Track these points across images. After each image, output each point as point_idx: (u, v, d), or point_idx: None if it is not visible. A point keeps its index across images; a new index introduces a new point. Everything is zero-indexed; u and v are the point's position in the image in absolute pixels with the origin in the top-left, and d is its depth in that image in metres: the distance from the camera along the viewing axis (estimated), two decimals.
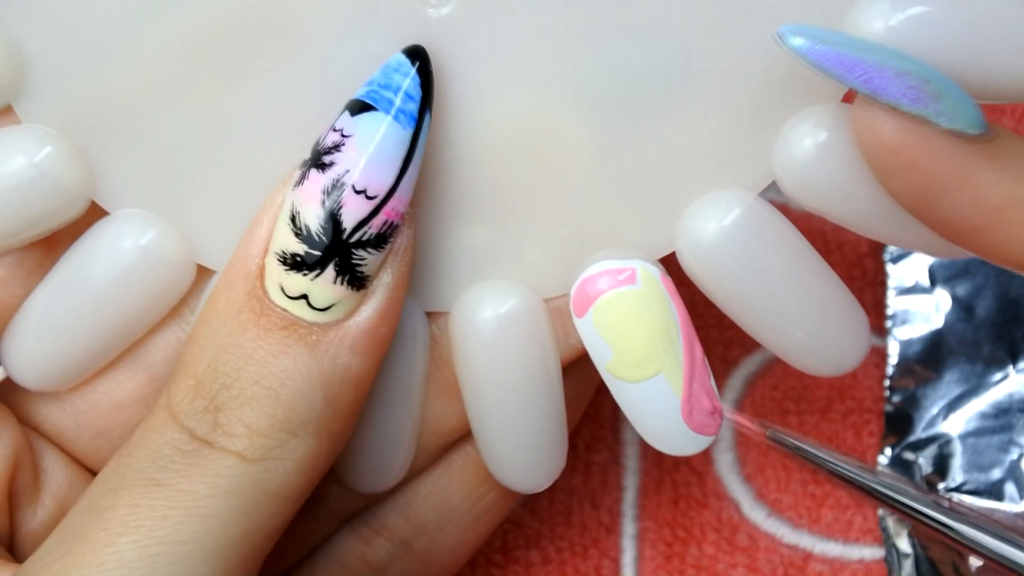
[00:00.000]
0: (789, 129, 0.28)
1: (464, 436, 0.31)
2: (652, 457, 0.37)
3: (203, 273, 0.29)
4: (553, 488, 0.37)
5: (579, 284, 0.28)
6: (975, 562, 0.34)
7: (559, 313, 0.29)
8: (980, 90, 0.26)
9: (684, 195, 0.28)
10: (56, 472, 0.30)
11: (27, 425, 0.31)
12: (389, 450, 0.30)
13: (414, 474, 0.32)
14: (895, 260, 0.37)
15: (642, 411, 0.28)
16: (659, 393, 0.28)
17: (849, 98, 0.27)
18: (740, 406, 0.37)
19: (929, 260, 0.37)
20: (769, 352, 0.37)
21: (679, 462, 0.37)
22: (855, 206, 0.28)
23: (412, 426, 0.30)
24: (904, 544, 0.35)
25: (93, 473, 0.31)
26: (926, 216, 0.25)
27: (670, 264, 0.29)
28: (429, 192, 0.28)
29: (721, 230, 0.28)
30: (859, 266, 0.38)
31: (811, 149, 0.27)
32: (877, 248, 0.38)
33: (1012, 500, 0.34)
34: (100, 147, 0.28)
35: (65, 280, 0.29)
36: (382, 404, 0.30)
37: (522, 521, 0.37)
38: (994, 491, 0.35)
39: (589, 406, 0.37)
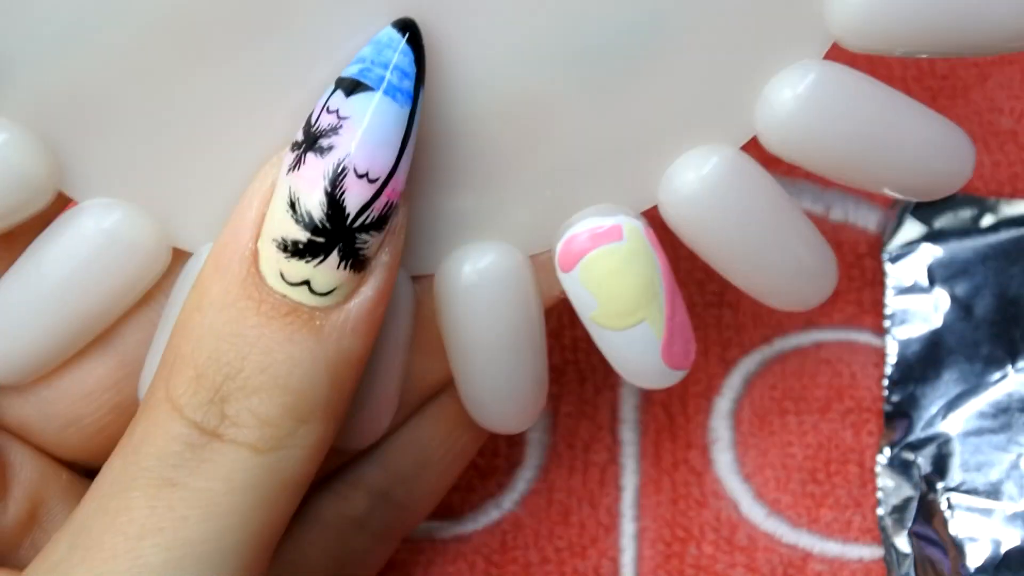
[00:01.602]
0: (770, 84, 0.28)
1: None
2: (651, 457, 0.37)
3: (178, 257, 0.29)
4: (551, 488, 0.37)
5: (565, 241, 0.28)
6: (973, 561, 0.34)
7: (543, 266, 0.29)
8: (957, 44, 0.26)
9: (666, 150, 0.28)
10: (24, 465, 0.30)
11: None
12: (374, 408, 0.30)
13: (392, 428, 0.32)
14: (894, 260, 0.37)
15: (624, 355, 0.29)
16: (641, 339, 0.28)
17: (831, 55, 0.27)
18: (739, 406, 0.37)
19: (928, 260, 0.37)
20: (768, 352, 0.37)
21: (678, 462, 0.37)
22: (835, 157, 0.28)
23: (397, 384, 0.30)
24: (903, 543, 0.35)
25: (63, 462, 0.31)
26: None
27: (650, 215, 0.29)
28: (413, 157, 0.28)
29: (700, 179, 0.28)
30: (858, 266, 0.38)
31: (790, 102, 0.27)
32: (876, 248, 0.38)
33: (1011, 499, 0.34)
34: (68, 136, 0.28)
35: (26, 271, 0.28)
36: (369, 366, 0.29)
37: (520, 521, 0.37)
38: (993, 490, 0.35)
39: (587, 406, 0.37)
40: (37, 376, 0.29)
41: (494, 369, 0.30)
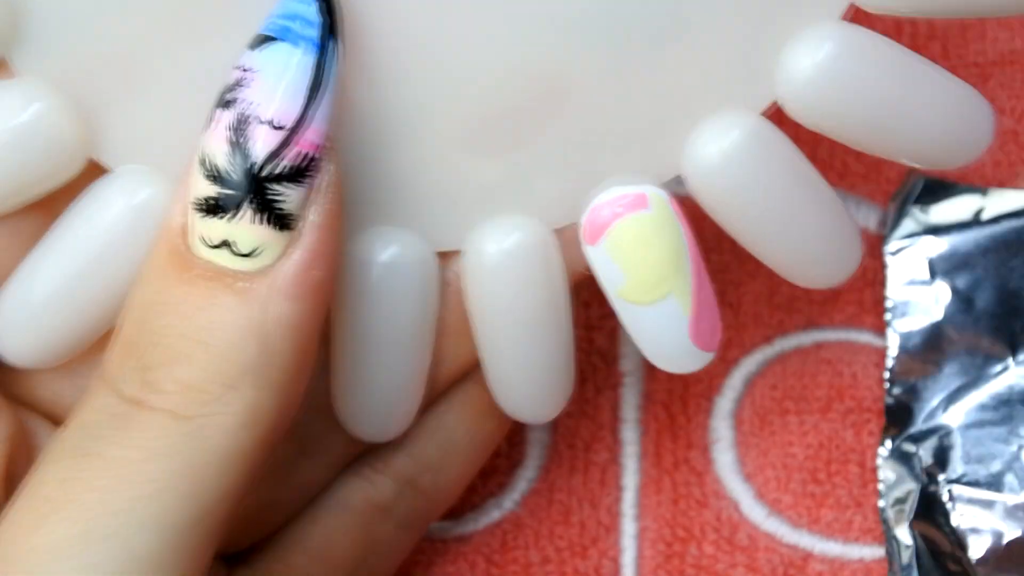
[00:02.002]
0: (789, 50, 0.28)
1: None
2: (651, 457, 0.37)
3: None
4: (552, 488, 0.37)
5: (591, 211, 0.28)
6: (975, 553, 0.34)
7: (568, 242, 0.29)
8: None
9: (689, 118, 0.28)
10: None
11: (21, 403, 0.30)
12: (396, 399, 0.30)
13: (419, 412, 0.31)
14: (895, 252, 0.37)
15: (651, 333, 0.29)
16: (669, 314, 0.28)
17: (849, 15, 0.28)
18: (740, 406, 0.37)
19: (929, 253, 0.37)
20: (769, 352, 0.37)
21: (679, 462, 0.37)
22: (856, 124, 0.28)
23: (421, 373, 0.30)
24: (904, 535, 0.35)
25: None
26: None
27: None
28: (437, 130, 0.28)
29: (720, 152, 0.28)
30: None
31: (810, 68, 0.28)
32: (876, 246, 0.38)
33: (1012, 491, 0.34)
34: (102, 101, 0.27)
35: (54, 247, 0.28)
36: (389, 350, 0.29)
37: (521, 521, 0.37)
38: (994, 482, 0.35)
39: (588, 406, 0.37)
40: (68, 359, 0.29)
41: (517, 349, 0.30)
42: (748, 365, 0.37)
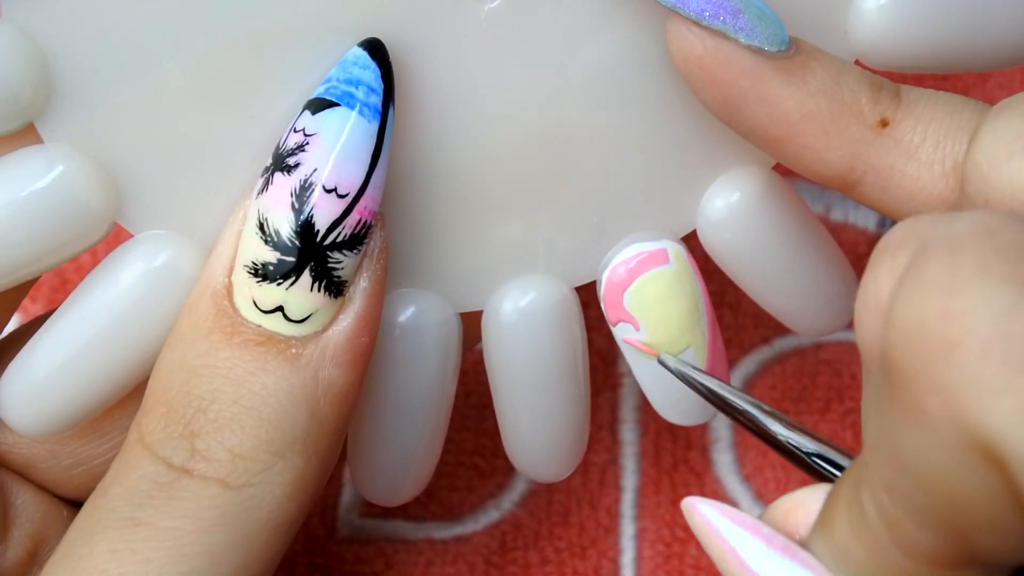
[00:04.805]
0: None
1: None
2: (651, 457, 0.37)
3: None
4: (551, 488, 0.37)
5: (612, 268, 0.28)
6: None
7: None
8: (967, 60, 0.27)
9: (705, 175, 0.29)
10: (26, 506, 0.29)
11: None
12: (413, 461, 0.30)
13: None
14: None
15: (666, 385, 0.29)
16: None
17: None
18: None
19: None
20: (768, 353, 0.37)
21: (678, 462, 0.37)
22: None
23: (439, 435, 0.30)
24: None
25: (68, 501, 0.30)
26: (735, 126, 0.26)
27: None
28: (457, 191, 0.28)
29: (728, 206, 0.29)
30: (858, 266, 0.37)
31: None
32: (875, 245, 0.37)
33: None
34: (127, 167, 0.27)
35: (71, 313, 0.27)
36: (408, 411, 0.29)
37: (520, 522, 0.37)
38: None
39: None
40: (81, 426, 0.28)
41: (535, 408, 0.30)
42: (747, 366, 0.37)
